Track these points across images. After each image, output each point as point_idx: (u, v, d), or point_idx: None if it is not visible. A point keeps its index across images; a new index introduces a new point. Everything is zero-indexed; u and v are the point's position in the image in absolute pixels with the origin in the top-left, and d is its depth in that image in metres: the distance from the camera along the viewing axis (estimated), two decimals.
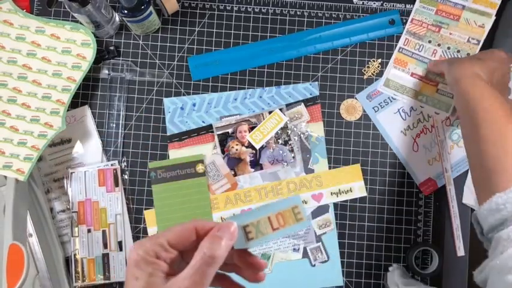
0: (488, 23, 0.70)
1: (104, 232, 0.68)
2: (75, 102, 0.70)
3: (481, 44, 0.70)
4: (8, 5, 0.67)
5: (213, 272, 0.32)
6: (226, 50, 0.72)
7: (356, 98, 0.71)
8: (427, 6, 0.71)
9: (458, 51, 0.68)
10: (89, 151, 0.70)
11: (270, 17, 0.72)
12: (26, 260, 0.55)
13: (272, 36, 0.72)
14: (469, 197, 0.70)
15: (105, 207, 0.68)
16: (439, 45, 0.69)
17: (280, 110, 0.70)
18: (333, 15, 0.72)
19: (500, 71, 0.58)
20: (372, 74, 0.72)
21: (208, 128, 0.70)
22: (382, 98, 0.71)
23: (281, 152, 0.70)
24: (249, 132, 0.70)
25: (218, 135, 0.70)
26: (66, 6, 0.63)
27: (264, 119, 0.70)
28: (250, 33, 0.72)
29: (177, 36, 0.72)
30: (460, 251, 0.69)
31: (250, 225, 0.34)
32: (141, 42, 0.72)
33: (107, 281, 0.67)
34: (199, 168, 0.69)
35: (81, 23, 0.68)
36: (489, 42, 0.71)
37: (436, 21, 0.70)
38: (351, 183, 0.70)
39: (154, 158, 0.70)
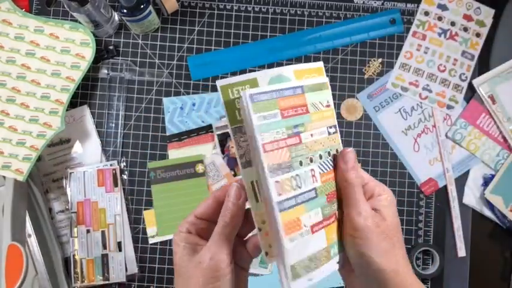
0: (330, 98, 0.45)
1: (103, 232, 0.67)
2: (74, 102, 0.70)
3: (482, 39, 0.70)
4: (7, 4, 0.67)
5: (229, 231, 0.36)
6: (226, 49, 0.72)
7: (357, 98, 0.71)
8: None
9: (334, 154, 0.40)
10: (88, 151, 0.69)
11: (270, 16, 0.72)
12: (24, 260, 0.55)
13: (272, 35, 0.72)
14: (470, 197, 0.70)
15: (104, 207, 0.68)
16: (311, 160, 0.36)
17: None
18: (334, 15, 0.72)
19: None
20: (373, 73, 0.71)
21: (208, 128, 0.70)
22: (383, 98, 0.71)
23: None
24: None
25: (218, 135, 0.70)
26: (65, 6, 0.63)
27: None
28: (250, 32, 0.72)
29: (177, 35, 0.71)
30: (461, 252, 0.69)
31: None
32: (140, 41, 0.71)
33: (106, 282, 0.67)
34: (199, 168, 0.69)
35: (80, 23, 0.67)
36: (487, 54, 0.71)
37: (288, 127, 0.37)
38: None
39: (153, 158, 0.70)
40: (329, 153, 0.38)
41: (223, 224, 0.36)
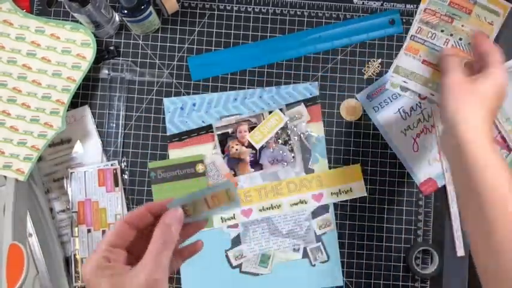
0: (497, 22, 0.70)
1: (104, 232, 0.68)
2: (75, 102, 0.70)
3: (490, 40, 0.70)
4: (8, 5, 0.67)
5: (169, 253, 0.37)
6: (226, 50, 0.72)
7: (356, 98, 0.71)
8: None
9: (469, 43, 0.69)
10: (89, 151, 0.70)
11: (270, 17, 0.72)
12: (25, 260, 0.55)
13: (272, 36, 0.72)
14: None
15: (105, 207, 0.68)
16: (451, 35, 0.69)
17: (280, 110, 0.70)
18: (333, 15, 0.72)
19: (501, 102, 0.52)
20: (372, 74, 0.72)
21: (208, 128, 0.70)
22: (382, 98, 0.71)
23: (281, 152, 0.70)
24: (249, 132, 0.70)
25: (218, 135, 0.70)
26: (66, 6, 0.63)
27: (264, 119, 0.70)
28: (250, 33, 0.72)
29: (177, 36, 0.72)
30: (460, 251, 0.69)
31: (188, 205, 0.41)
32: (141, 42, 0.72)
33: None
34: (199, 168, 0.69)
35: (81, 23, 0.68)
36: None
37: (449, 12, 0.70)
38: (351, 183, 0.70)
39: (154, 158, 0.70)
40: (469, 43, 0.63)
41: (162, 245, 0.37)
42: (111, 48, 0.71)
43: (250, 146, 0.70)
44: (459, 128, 0.49)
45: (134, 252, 0.40)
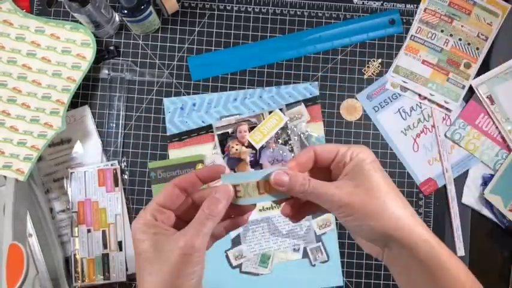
0: (496, 23, 0.70)
1: (103, 232, 0.68)
2: (75, 102, 0.70)
3: (489, 41, 0.70)
4: (8, 5, 0.67)
5: (212, 225, 0.37)
6: (226, 50, 0.72)
7: (356, 98, 0.71)
8: None
9: (469, 44, 0.69)
10: (89, 151, 0.70)
11: (270, 17, 0.72)
12: (25, 260, 0.55)
13: (272, 36, 0.72)
14: (469, 197, 0.70)
15: (104, 207, 0.68)
16: (451, 35, 0.69)
17: (280, 110, 0.70)
18: (333, 15, 0.72)
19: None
20: (372, 73, 0.72)
21: (208, 128, 0.70)
22: (382, 98, 0.71)
23: (281, 152, 0.70)
24: (249, 132, 0.70)
25: (218, 135, 0.70)
26: (66, 6, 0.63)
27: (264, 119, 0.70)
28: (250, 33, 0.72)
29: (177, 36, 0.72)
30: (460, 251, 0.69)
31: (241, 186, 0.38)
32: (141, 42, 0.72)
33: (107, 281, 0.67)
34: (199, 168, 0.69)
35: (81, 23, 0.67)
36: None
37: (449, 12, 0.70)
38: None
39: (154, 158, 0.70)
40: (469, 43, 0.70)
41: (207, 216, 0.37)
42: (111, 48, 0.71)
43: (250, 146, 0.70)
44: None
45: (185, 218, 0.40)
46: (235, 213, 0.42)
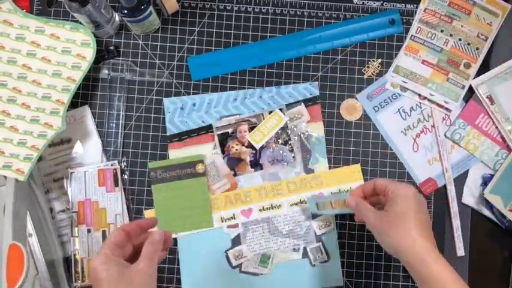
0: (496, 23, 0.70)
1: (103, 232, 0.68)
2: (75, 102, 0.70)
3: (489, 41, 0.70)
4: (8, 5, 0.67)
5: (158, 254, 0.51)
6: (226, 50, 0.72)
7: (356, 98, 0.71)
8: None
9: (469, 44, 0.69)
10: (89, 151, 0.70)
11: (270, 17, 0.72)
12: (25, 260, 0.55)
13: (272, 36, 0.72)
14: (469, 197, 0.70)
15: (105, 207, 0.68)
16: (451, 35, 0.69)
17: (280, 110, 0.70)
18: (333, 15, 0.72)
19: (423, 207, 0.55)
20: (372, 73, 0.72)
21: (208, 128, 0.70)
22: (382, 98, 0.71)
23: (281, 152, 0.70)
24: (249, 132, 0.70)
25: (218, 135, 0.70)
26: (66, 6, 0.63)
27: (264, 119, 0.70)
28: (250, 33, 0.72)
29: (177, 36, 0.72)
30: (460, 251, 0.69)
31: (320, 204, 0.65)
32: (141, 42, 0.72)
33: None
34: (199, 168, 0.69)
35: (81, 23, 0.68)
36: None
37: (449, 12, 0.70)
38: (351, 183, 0.70)
39: (154, 158, 0.70)
40: (469, 43, 0.71)
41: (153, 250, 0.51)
42: (111, 48, 0.71)
43: (250, 146, 0.70)
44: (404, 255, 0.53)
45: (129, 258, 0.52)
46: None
